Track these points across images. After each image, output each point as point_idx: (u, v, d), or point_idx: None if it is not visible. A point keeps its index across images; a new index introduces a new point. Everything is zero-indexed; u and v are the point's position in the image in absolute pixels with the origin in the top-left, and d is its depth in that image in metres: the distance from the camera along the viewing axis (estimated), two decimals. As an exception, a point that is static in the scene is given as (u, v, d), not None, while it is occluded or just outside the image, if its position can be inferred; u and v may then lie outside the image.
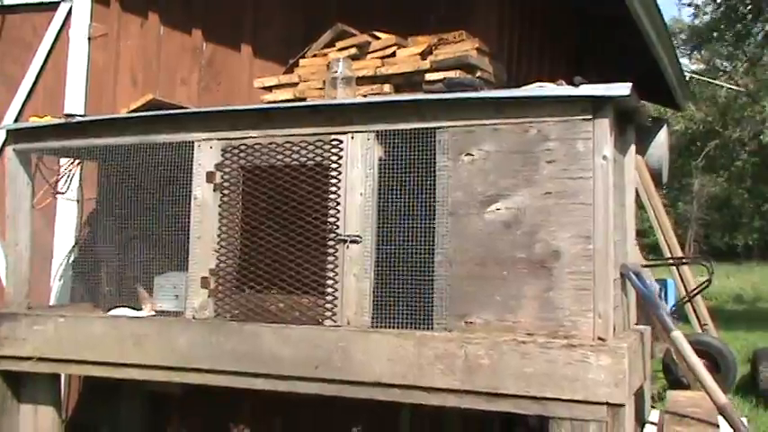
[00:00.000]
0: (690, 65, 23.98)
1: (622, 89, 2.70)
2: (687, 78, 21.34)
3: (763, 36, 11.86)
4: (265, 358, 3.04)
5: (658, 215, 6.24)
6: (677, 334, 2.84)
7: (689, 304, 6.41)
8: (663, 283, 7.67)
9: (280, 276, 3.14)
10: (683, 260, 5.96)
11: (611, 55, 6.25)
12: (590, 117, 2.73)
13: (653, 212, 6.27)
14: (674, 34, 23.33)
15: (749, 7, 10.66)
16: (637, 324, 3.37)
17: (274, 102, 3.68)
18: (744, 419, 3.01)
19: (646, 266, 5.39)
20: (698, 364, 2.80)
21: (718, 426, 2.83)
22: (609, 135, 2.73)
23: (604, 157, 2.71)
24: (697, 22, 17.58)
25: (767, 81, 20.06)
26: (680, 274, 6.37)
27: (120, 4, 4.76)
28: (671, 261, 5.99)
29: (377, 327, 2.93)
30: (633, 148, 3.29)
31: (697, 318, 6.36)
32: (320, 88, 3.55)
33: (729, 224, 32.95)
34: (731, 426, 2.74)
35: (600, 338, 2.65)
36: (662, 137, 6.69)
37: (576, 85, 2.78)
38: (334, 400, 2.99)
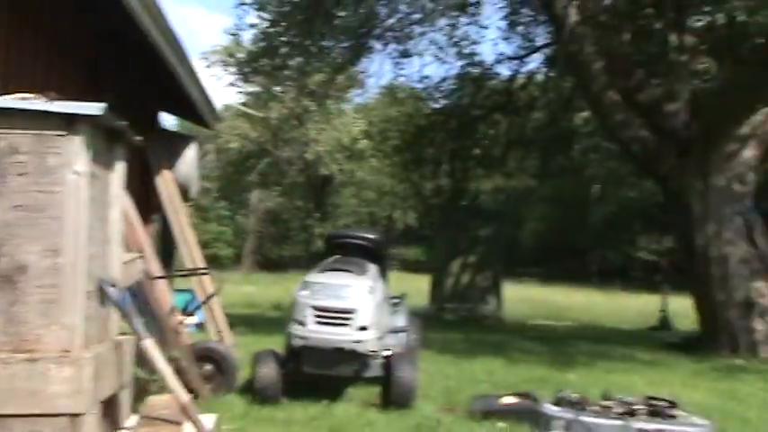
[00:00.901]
0: (247, 87, 25.61)
1: (95, 109, 2.81)
2: (244, 101, 22.52)
3: (297, 70, 13.32)
4: None
5: (182, 228, 6.55)
6: (147, 342, 3.03)
7: (210, 314, 6.85)
8: (191, 293, 8.04)
9: None
10: (194, 272, 6.34)
11: (150, 78, 6.35)
12: (64, 133, 2.79)
13: (177, 226, 6.56)
14: (232, 55, 24.62)
15: (286, 42, 11.96)
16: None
17: None
18: (208, 416, 3.34)
19: (162, 278, 5.63)
20: (164, 369, 3.02)
21: (180, 423, 3.09)
22: (83, 151, 2.81)
23: (76, 172, 2.78)
24: (254, 47, 18.85)
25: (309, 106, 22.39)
26: (201, 285, 6.77)
27: None
28: (185, 272, 6.34)
29: None
30: (122, 164, 3.41)
31: (215, 326, 6.83)
32: None
33: (281, 236, 35.80)
34: (190, 420, 3.03)
35: (65, 350, 2.71)
36: (190, 154, 7.07)
37: (50, 101, 2.81)
38: None
